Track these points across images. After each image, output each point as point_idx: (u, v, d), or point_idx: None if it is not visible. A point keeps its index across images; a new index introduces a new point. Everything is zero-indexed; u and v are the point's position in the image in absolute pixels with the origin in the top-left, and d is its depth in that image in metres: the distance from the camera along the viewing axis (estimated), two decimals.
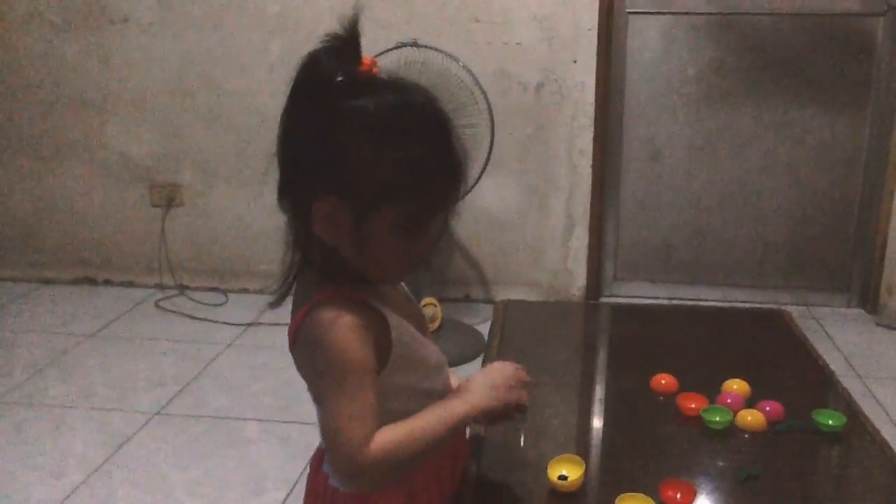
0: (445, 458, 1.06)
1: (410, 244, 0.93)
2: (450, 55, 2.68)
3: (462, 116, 2.67)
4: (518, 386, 1.04)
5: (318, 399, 0.93)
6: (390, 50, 2.63)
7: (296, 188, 0.93)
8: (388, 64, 2.55)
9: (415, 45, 2.67)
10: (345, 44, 0.89)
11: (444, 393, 1.03)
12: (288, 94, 0.92)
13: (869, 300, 3.15)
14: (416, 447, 0.92)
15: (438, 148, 0.90)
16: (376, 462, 0.89)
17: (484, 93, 2.69)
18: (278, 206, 0.96)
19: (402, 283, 1.08)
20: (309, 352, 0.93)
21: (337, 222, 0.90)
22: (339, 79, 0.88)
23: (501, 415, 1.04)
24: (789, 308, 1.82)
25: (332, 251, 0.92)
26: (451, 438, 0.99)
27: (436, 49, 2.67)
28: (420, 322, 1.05)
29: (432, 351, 1.03)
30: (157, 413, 2.40)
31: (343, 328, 0.90)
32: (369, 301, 0.94)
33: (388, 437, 0.90)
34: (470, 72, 2.70)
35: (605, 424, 1.31)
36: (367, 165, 0.88)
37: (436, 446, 0.96)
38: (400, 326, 0.96)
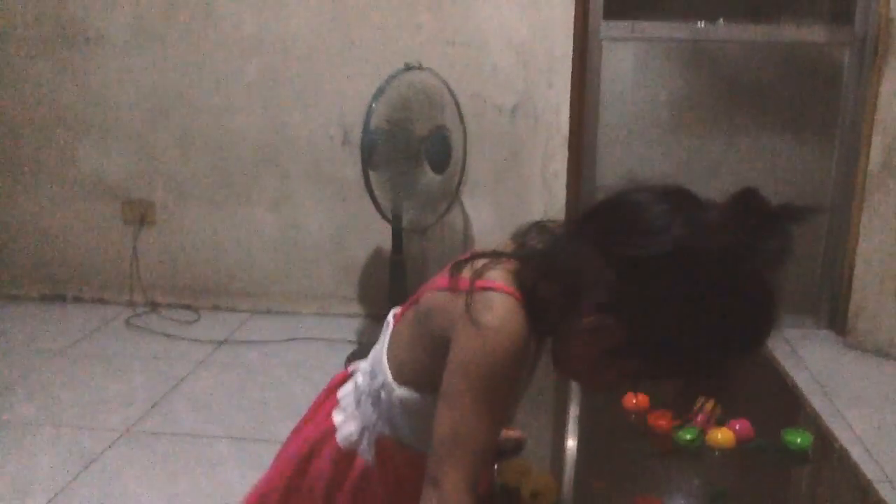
0: None
1: (613, 380, 0.91)
2: (441, 78, 2.74)
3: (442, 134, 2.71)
4: None
5: (451, 390, 0.87)
6: (399, 73, 2.65)
7: (607, 283, 0.84)
8: (393, 87, 2.58)
9: (419, 67, 2.70)
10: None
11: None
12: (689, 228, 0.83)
13: (837, 322, 3.19)
14: None
15: (745, 354, 0.86)
16: None
17: (461, 117, 2.76)
18: (564, 246, 0.89)
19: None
20: (475, 337, 0.86)
21: (597, 336, 0.86)
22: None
23: None
24: None
25: (567, 314, 0.88)
26: None
27: (431, 71, 2.72)
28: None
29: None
30: (126, 431, 2.37)
31: (520, 352, 0.86)
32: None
33: None
34: (454, 96, 2.78)
35: (577, 442, 1.32)
36: (675, 331, 0.83)
37: None
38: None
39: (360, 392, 1.04)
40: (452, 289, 0.91)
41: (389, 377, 0.99)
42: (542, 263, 0.90)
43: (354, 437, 1.02)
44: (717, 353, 0.84)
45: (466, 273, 0.92)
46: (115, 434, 2.35)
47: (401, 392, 0.98)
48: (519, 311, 0.87)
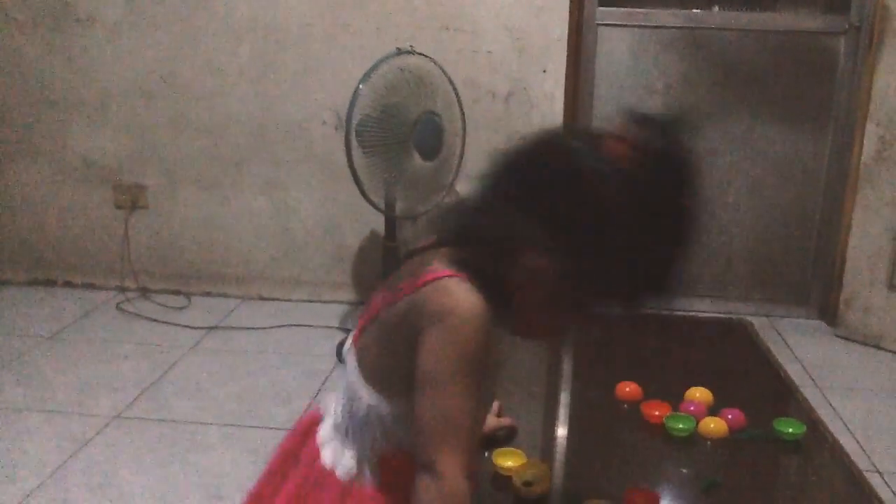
0: None
1: (569, 320, 0.95)
2: (437, 64, 2.71)
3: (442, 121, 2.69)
4: None
5: (429, 378, 0.88)
6: (391, 57, 2.63)
7: (528, 225, 0.89)
8: (383, 72, 2.56)
9: (412, 51, 2.68)
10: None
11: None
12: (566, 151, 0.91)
13: (828, 312, 3.20)
14: None
15: (672, 274, 0.93)
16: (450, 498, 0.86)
17: (461, 105, 2.75)
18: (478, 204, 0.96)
19: None
20: (438, 324, 0.88)
21: (537, 280, 0.89)
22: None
23: None
24: (751, 319, 1.84)
25: (502, 274, 0.90)
26: None
27: (425, 56, 2.70)
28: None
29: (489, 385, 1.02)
30: (117, 416, 2.36)
31: (484, 325, 0.88)
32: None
33: None
34: (452, 83, 2.75)
35: (570, 432, 1.32)
36: (612, 272, 0.87)
37: None
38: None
39: (342, 427, 1.01)
40: (402, 296, 0.93)
41: (374, 399, 0.96)
42: (464, 237, 0.94)
43: (355, 471, 0.99)
44: (651, 257, 0.90)
45: (406, 279, 0.94)
46: (105, 419, 2.34)
47: (389, 408, 0.95)
48: (470, 287, 0.90)
